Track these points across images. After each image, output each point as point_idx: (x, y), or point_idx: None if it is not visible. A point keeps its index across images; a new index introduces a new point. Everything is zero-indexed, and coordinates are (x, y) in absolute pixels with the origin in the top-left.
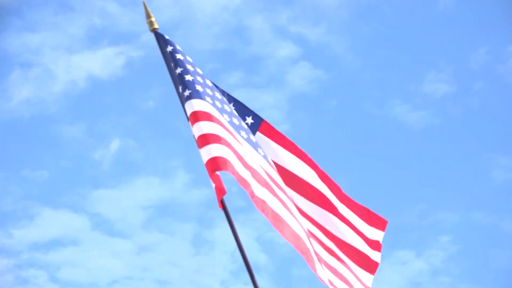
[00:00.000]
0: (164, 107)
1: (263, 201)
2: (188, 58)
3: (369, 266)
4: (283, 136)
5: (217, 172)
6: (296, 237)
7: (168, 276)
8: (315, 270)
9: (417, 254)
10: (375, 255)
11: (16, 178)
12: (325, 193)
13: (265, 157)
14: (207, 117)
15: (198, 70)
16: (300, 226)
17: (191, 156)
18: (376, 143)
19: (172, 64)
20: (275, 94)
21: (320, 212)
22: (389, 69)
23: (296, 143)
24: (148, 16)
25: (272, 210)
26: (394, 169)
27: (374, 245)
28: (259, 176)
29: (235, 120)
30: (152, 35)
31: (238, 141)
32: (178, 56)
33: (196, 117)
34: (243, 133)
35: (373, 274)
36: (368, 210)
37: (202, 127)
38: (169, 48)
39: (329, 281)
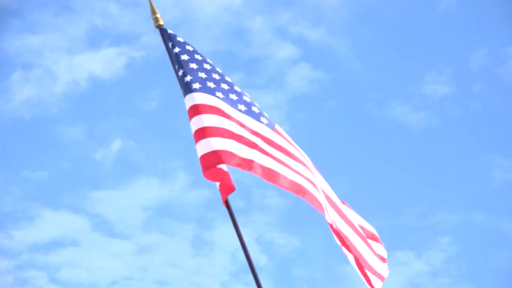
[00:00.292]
0: (164, 108)
1: (251, 161)
2: (197, 57)
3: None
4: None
5: (226, 169)
6: (293, 183)
7: (168, 277)
8: (321, 210)
9: (417, 255)
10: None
11: (16, 179)
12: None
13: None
14: (207, 110)
15: (208, 66)
16: (300, 176)
17: (191, 157)
18: (376, 144)
19: (176, 66)
20: (275, 95)
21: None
22: (389, 70)
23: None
24: (153, 12)
25: (262, 166)
26: (394, 170)
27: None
28: (252, 143)
29: (254, 109)
30: (152, 35)
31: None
32: (183, 57)
33: (196, 110)
34: (263, 120)
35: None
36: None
37: (198, 121)
38: (176, 50)
39: (337, 228)
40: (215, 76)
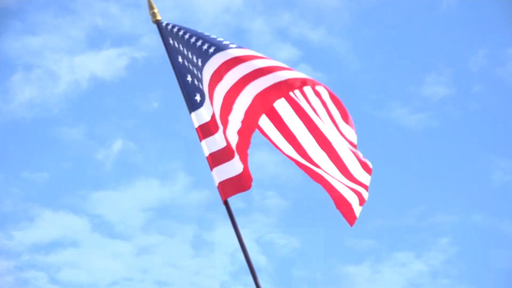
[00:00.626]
0: (164, 108)
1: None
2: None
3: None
4: None
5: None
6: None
7: (168, 278)
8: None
9: (416, 256)
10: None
11: (17, 180)
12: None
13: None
14: (213, 127)
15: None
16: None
17: (191, 158)
18: (375, 145)
19: (182, 68)
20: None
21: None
22: (388, 71)
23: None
24: (151, 7)
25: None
26: (394, 171)
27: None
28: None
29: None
30: (153, 36)
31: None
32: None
33: (203, 132)
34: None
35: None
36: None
37: (210, 144)
38: (176, 43)
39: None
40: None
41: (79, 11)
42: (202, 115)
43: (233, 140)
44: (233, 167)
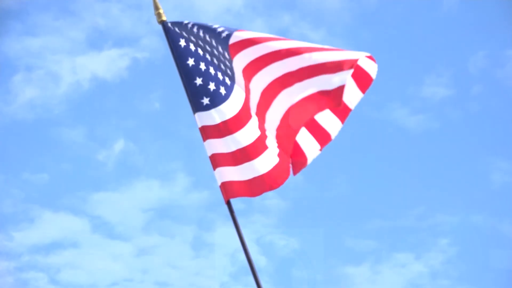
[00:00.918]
0: (165, 109)
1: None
2: (199, 51)
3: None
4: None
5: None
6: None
7: (168, 279)
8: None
9: (416, 257)
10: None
11: (17, 181)
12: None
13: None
14: (218, 132)
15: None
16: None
17: (191, 159)
18: (375, 147)
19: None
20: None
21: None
22: (388, 73)
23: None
24: (156, 7)
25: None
26: (393, 172)
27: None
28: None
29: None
30: (154, 36)
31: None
32: (192, 47)
33: (206, 133)
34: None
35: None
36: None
37: (214, 146)
38: (183, 43)
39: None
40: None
41: (80, 13)
42: (208, 118)
43: (271, 135)
44: (252, 168)
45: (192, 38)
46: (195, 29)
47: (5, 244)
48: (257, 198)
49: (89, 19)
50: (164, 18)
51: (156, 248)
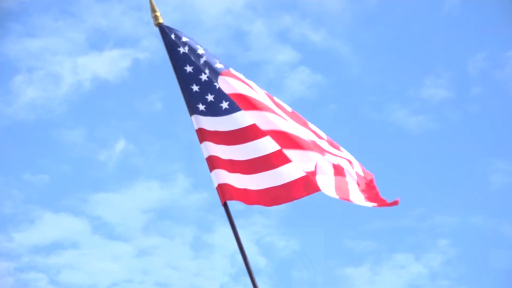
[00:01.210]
0: (165, 110)
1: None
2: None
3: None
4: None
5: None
6: (264, 195)
7: (167, 279)
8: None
9: (416, 258)
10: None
11: (17, 182)
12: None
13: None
14: (214, 138)
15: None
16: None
17: (191, 160)
18: (375, 148)
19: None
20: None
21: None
22: (388, 74)
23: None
24: (153, 10)
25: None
26: (393, 173)
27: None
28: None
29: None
30: (155, 37)
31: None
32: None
33: (203, 135)
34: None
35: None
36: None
37: (211, 148)
38: (182, 50)
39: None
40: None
41: (80, 14)
42: (204, 122)
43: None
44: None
45: (192, 53)
46: (189, 48)
47: (5, 245)
48: None
49: (90, 20)
50: (160, 20)
51: (156, 249)
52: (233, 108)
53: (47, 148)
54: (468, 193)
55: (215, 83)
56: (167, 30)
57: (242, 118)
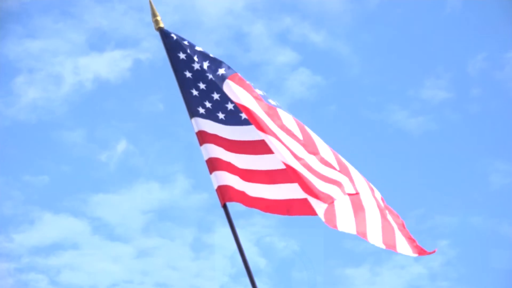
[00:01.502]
0: (165, 111)
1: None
2: (195, 65)
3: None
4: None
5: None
6: (275, 204)
7: (167, 280)
8: (311, 213)
9: (415, 258)
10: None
11: (17, 183)
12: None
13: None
14: (214, 140)
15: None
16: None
17: (191, 161)
18: (374, 149)
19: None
20: (274, 100)
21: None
22: (388, 75)
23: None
24: (154, 15)
25: (248, 196)
26: (393, 174)
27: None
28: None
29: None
30: (154, 37)
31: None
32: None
33: (203, 138)
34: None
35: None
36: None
37: (211, 150)
38: (182, 56)
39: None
40: (210, 88)
41: (80, 15)
42: (205, 124)
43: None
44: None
45: (193, 57)
46: (192, 53)
47: (5, 246)
48: None
49: (90, 21)
50: (161, 25)
51: (156, 249)
52: (233, 118)
53: (47, 149)
54: (468, 193)
55: (213, 92)
56: (167, 34)
57: (245, 131)
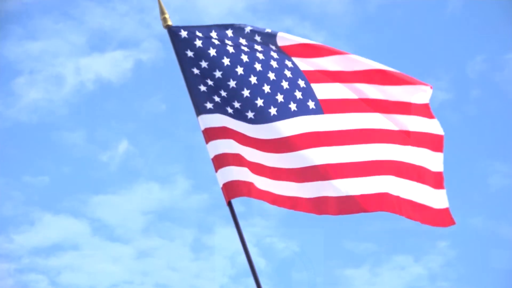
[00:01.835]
0: (165, 111)
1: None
2: (211, 54)
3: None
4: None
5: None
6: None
7: (167, 281)
8: (316, 211)
9: (415, 259)
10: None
11: (17, 184)
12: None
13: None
14: (222, 134)
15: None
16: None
17: (191, 161)
18: None
19: (191, 68)
20: None
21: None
22: None
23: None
24: (162, 12)
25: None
26: None
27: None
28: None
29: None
30: (156, 39)
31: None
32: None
33: (209, 135)
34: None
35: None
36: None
37: (217, 147)
38: (190, 54)
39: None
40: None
41: (80, 16)
42: (211, 120)
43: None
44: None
45: (202, 55)
46: (216, 35)
47: (5, 247)
48: (257, 201)
49: (90, 22)
50: (169, 23)
51: (156, 250)
52: (262, 117)
53: (47, 149)
54: (468, 194)
55: (229, 80)
56: (175, 33)
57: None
